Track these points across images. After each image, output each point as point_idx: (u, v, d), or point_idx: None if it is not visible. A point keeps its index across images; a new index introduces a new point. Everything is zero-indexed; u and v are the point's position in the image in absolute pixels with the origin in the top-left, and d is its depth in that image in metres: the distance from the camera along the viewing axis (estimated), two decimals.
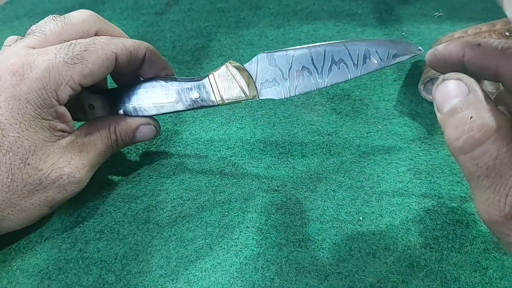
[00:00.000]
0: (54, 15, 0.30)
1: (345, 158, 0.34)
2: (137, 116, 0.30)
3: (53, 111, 0.25)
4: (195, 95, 0.29)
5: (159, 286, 0.26)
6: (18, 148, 0.24)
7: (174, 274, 0.27)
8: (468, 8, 0.51)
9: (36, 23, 0.29)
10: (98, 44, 0.27)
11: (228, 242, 0.28)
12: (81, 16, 0.29)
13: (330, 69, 0.26)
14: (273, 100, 0.29)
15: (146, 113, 0.30)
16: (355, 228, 0.29)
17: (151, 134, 0.31)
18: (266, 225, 0.29)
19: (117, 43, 0.28)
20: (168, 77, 0.30)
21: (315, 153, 0.34)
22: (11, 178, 0.24)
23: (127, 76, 0.31)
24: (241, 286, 0.26)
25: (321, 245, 0.28)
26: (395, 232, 0.28)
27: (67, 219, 0.30)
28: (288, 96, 0.28)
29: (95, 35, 0.28)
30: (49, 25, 0.28)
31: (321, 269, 0.26)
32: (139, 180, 0.33)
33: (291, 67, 0.27)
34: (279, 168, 0.33)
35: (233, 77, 0.28)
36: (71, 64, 0.25)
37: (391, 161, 0.33)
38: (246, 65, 0.28)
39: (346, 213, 0.30)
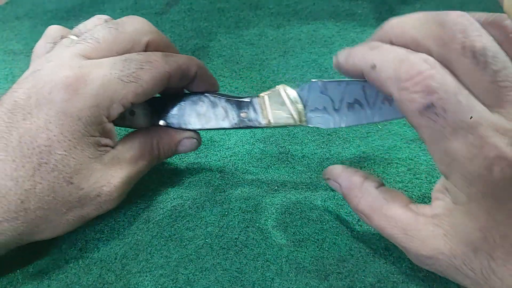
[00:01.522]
0: (106, 18, 0.28)
1: (345, 158, 0.34)
2: (180, 128, 0.29)
3: (101, 128, 0.25)
4: (242, 114, 0.28)
5: (159, 286, 0.26)
6: (63, 166, 0.23)
7: (174, 274, 0.27)
8: (468, 8, 0.51)
9: (84, 21, 0.28)
10: (154, 62, 0.26)
11: (228, 242, 0.28)
12: (133, 25, 0.27)
13: (382, 104, 0.25)
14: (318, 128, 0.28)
15: (189, 127, 0.29)
16: (355, 228, 0.29)
17: (193, 147, 0.30)
18: (266, 225, 0.29)
19: (171, 62, 0.26)
20: (216, 93, 0.29)
21: (315, 153, 0.34)
22: (53, 196, 0.23)
23: (172, 88, 0.30)
24: (241, 285, 0.26)
25: (321, 245, 0.28)
26: None
27: None
28: (337, 127, 0.27)
29: (146, 46, 0.27)
30: (102, 31, 0.26)
31: (321, 269, 0.26)
32: (139, 180, 0.33)
33: (343, 98, 0.26)
34: (279, 168, 0.33)
35: (284, 101, 0.27)
36: (126, 82, 0.24)
37: (391, 161, 0.33)
38: (298, 90, 0.27)
39: (346, 213, 0.30)
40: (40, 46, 0.28)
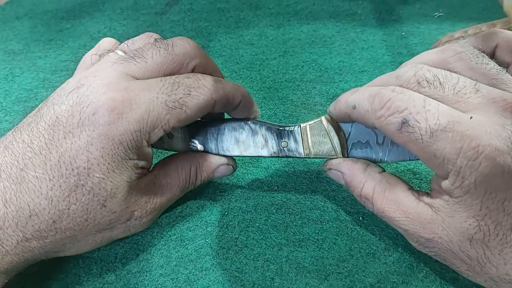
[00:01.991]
0: (155, 38, 0.28)
1: None
2: (218, 154, 0.29)
3: (141, 151, 0.24)
4: (282, 143, 0.27)
5: (159, 286, 0.26)
6: (99, 190, 0.22)
7: (174, 274, 0.27)
8: (468, 8, 0.51)
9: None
10: (202, 88, 0.25)
11: (228, 241, 0.28)
12: (184, 47, 0.26)
13: None
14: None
15: (227, 153, 0.28)
16: (355, 228, 0.29)
17: (228, 173, 0.29)
18: (266, 224, 0.29)
19: (218, 89, 0.25)
20: (257, 120, 0.28)
21: None
22: (85, 218, 0.23)
23: (214, 114, 0.29)
24: (241, 285, 0.26)
25: (321, 245, 0.28)
26: (395, 232, 0.28)
27: None
28: (379, 161, 0.26)
29: (193, 69, 0.26)
30: (151, 51, 0.25)
31: (321, 269, 0.26)
32: None
33: None
34: (279, 167, 0.33)
35: (327, 133, 0.27)
36: (171, 108, 0.23)
37: None
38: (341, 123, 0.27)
39: (346, 213, 0.30)
40: (88, 56, 0.28)
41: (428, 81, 0.22)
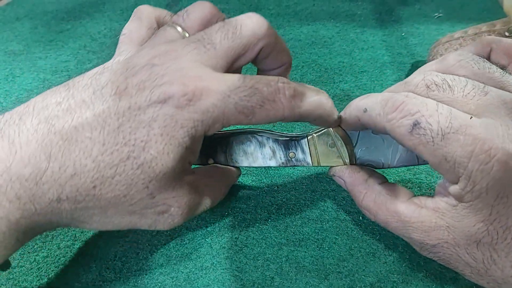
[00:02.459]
0: (212, 12, 0.26)
1: None
2: (227, 165, 0.29)
3: (195, 144, 0.23)
4: (290, 154, 0.28)
5: (159, 284, 0.26)
6: (149, 168, 0.22)
7: (174, 272, 0.27)
8: (467, 8, 0.52)
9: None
10: (277, 104, 0.23)
11: (228, 241, 0.28)
12: (252, 26, 0.24)
13: None
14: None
15: (237, 164, 0.29)
16: (355, 228, 0.29)
17: (234, 182, 0.30)
18: (266, 224, 0.29)
19: (294, 109, 0.23)
20: (265, 131, 0.28)
21: None
22: (124, 194, 0.22)
23: None
24: (241, 284, 0.26)
25: (321, 245, 0.28)
26: None
27: None
28: (388, 167, 0.26)
29: (260, 50, 0.24)
30: (219, 35, 0.23)
31: (321, 268, 0.26)
32: None
33: None
34: (279, 168, 0.33)
35: (334, 142, 0.27)
36: (239, 112, 0.22)
37: None
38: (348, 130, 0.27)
39: (346, 212, 0.30)
40: (135, 29, 0.26)
41: (437, 85, 0.21)
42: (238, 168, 0.30)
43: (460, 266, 0.22)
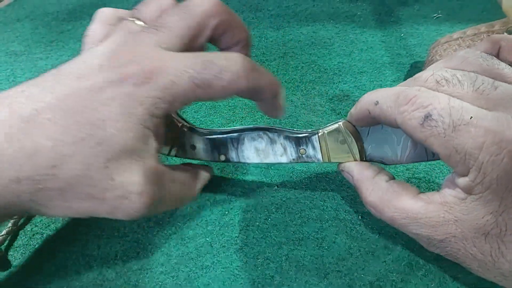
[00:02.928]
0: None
1: None
2: (239, 162, 0.29)
3: (157, 121, 0.23)
4: (301, 151, 0.28)
5: (160, 283, 0.26)
6: (108, 146, 0.22)
7: (175, 271, 0.27)
8: (467, 9, 0.52)
9: (143, 2, 0.26)
10: (234, 75, 0.24)
11: (228, 240, 0.28)
12: (202, 4, 0.25)
13: None
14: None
15: (248, 161, 0.29)
16: (355, 227, 0.29)
17: (204, 183, 0.30)
18: (266, 223, 0.29)
19: (253, 80, 0.24)
20: (275, 128, 0.28)
21: None
22: (84, 174, 0.22)
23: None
24: (241, 283, 0.26)
25: (321, 244, 0.28)
26: (394, 231, 0.28)
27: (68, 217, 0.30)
28: (398, 163, 0.27)
29: (214, 29, 0.25)
30: (173, 18, 0.24)
31: (321, 267, 0.27)
32: None
33: (405, 134, 0.25)
34: (279, 167, 0.33)
35: (345, 139, 0.27)
36: (197, 86, 0.23)
37: None
38: (358, 126, 0.27)
39: (345, 212, 0.30)
40: (96, 29, 0.27)
41: (446, 80, 0.22)
42: (210, 169, 0.30)
43: (467, 260, 0.22)
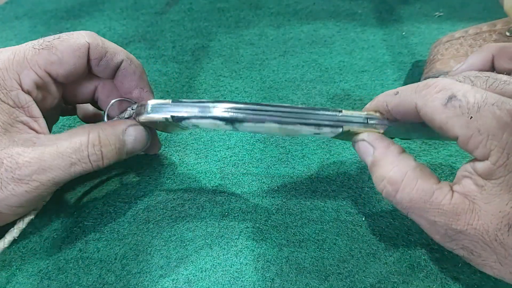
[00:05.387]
0: None
1: (345, 158, 0.34)
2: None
3: (15, 95, 0.24)
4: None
5: (159, 286, 0.26)
6: None
7: (174, 274, 0.27)
8: (468, 8, 0.51)
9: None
10: (74, 34, 0.26)
11: (228, 242, 0.28)
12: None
13: None
14: None
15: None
16: (355, 229, 0.29)
17: (144, 140, 0.28)
18: (266, 225, 0.29)
19: (95, 36, 0.26)
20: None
21: (315, 154, 0.34)
22: None
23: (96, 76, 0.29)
24: (241, 286, 0.26)
25: (322, 246, 0.28)
26: (395, 232, 0.28)
27: (67, 219, 0.30)
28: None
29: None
30: None
31: (322, 269, 0.26)
32: (139, 180, 0.33)
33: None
34: (279, 168, 0.33)
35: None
36: (38, 49, 0.24)
37: None
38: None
39: (346, 213, 0.30)
40: None
41: (464, 78, 0.22)
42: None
43: (484, 254, 0.21)
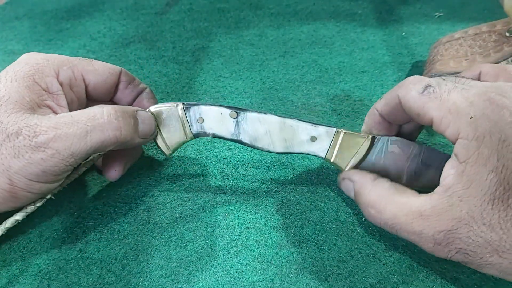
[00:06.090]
0: None
1: None
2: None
3: (50, 81, 0.26)
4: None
5: (159, 286, 0.26)
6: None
7: (175, 274, 0.27)
8: (468, 8, 0.51)
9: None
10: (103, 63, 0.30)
11: (228, 242, 0.28)
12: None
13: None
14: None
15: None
16: (355, 229, 0.29)
17: (151, 122, 0.28)
18: (267, 226, 0.29)
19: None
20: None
21: None
22: None
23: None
24: (241, 286, 0.26)
25: (321, 246, 0.28)
26: None
27: (67, 220, 0.30)
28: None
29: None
30: None
31: (322, 269, 0.26)
32: (140, 181, 0.33)
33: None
34: (280, 169, 0.33)
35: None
36: (79, 59, 0.28)
37: None
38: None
39: (346, 214, 0.30)
40: None
41: (435, 79, 0.25)
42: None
43: (479, 250, 0.21)
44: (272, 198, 0.31)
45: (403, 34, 0.48)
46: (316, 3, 0.56)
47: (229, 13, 0.55)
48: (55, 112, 0.26)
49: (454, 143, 0.22)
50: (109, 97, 0.31)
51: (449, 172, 0.22)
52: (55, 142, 0.23)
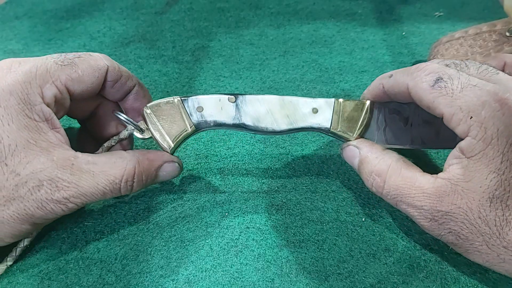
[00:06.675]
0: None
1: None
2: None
3: (39, 110, 0.24)
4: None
5: (159, 287, 0.26)
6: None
7: (174, 275, 0.27)
8: (468, 8, 0.51)
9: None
10: (93, 55, 0.27)
11: (228, 242, 0.28)
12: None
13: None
14: None
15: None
16: (355, 229, 0.29)
17: (175, 173, 0.29)
18: (267, 225, 0.29)
19: (111, 60, 0.28)
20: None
21: (315, 154, 0.34)
22: None
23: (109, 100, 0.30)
24: (241, 286, 0.26)
25: (321, 246, 0.28)
26: (395, 233, 0.28)
27: (67, 220, 0.30)
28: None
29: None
30: None
31: (321, 269, 0.26)
32: None
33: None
34: (280, 168, 0.33)
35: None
36: (61, 65, 0.25)
37: None
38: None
39: (346, 213, 0.30)
40: None
41: (455, 63, 0.24)
42: (176, 157, 0.29)
43: (471, 236, 0.22)
44: (272, 197, 0.31)
45: (403, 33, 0.48)
46: (316, 3, 0.55)
47: (229, 13, 0.55)
48: (54, 138, 0.25)
49: (462, 139, 0.22)
50: (96, 94, 0.29)
51: (453, 161, 0.23)
52: (76, 198, 0.25)
